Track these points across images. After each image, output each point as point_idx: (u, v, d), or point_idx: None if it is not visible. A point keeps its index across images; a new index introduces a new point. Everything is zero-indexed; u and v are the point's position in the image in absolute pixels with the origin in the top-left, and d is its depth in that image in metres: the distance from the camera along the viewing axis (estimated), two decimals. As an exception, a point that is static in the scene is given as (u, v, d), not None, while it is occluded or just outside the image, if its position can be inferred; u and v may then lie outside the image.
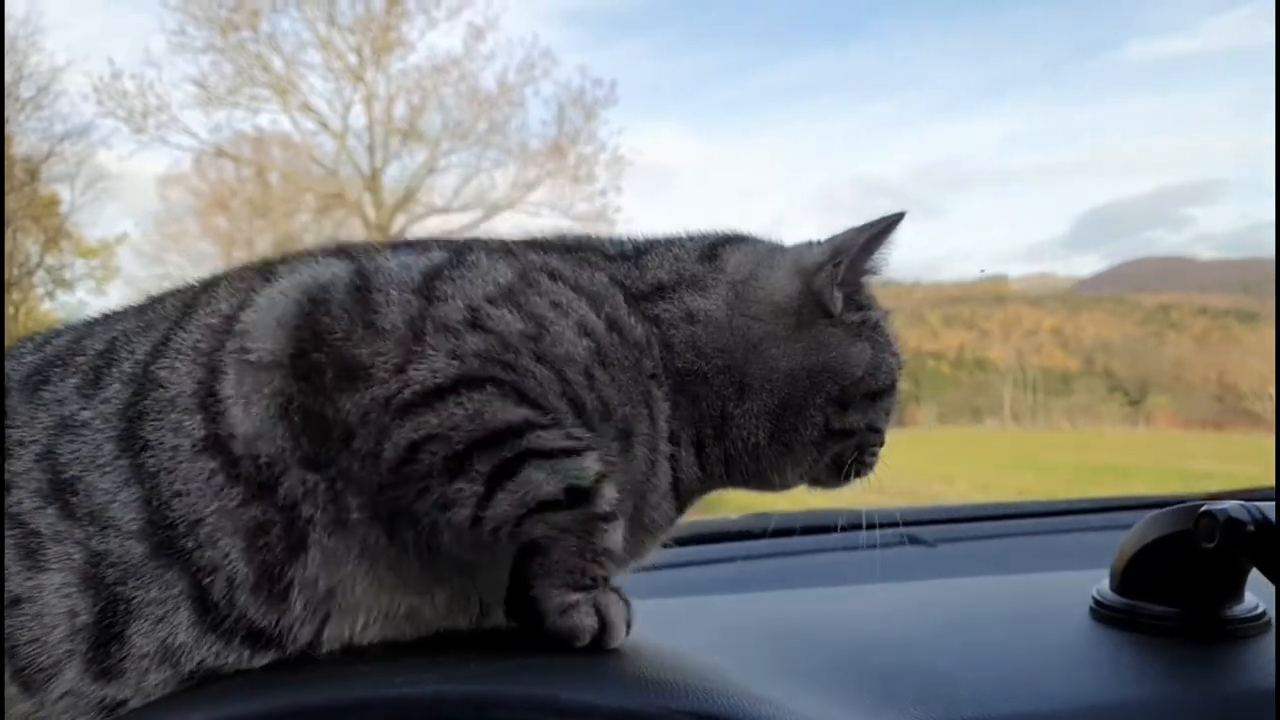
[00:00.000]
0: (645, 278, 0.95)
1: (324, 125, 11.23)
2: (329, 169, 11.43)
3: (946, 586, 1.25)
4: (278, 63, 10.91)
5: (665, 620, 0.95)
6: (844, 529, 1.47)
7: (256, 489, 0.75)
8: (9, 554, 0.73)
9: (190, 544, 0.74)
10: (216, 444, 0.75)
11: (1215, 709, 0.81)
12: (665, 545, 0.97)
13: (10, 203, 9.43)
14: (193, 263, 11.10)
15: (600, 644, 0.77)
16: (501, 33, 11.28)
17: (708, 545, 1.58)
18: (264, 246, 11.15)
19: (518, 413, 0.77)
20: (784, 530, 1.58)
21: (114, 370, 0.80)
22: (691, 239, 1.01)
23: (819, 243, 1.01)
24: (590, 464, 0.79)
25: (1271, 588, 0.87)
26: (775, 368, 0.93)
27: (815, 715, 0.72)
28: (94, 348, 0.83)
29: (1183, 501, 0.92)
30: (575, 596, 0.77)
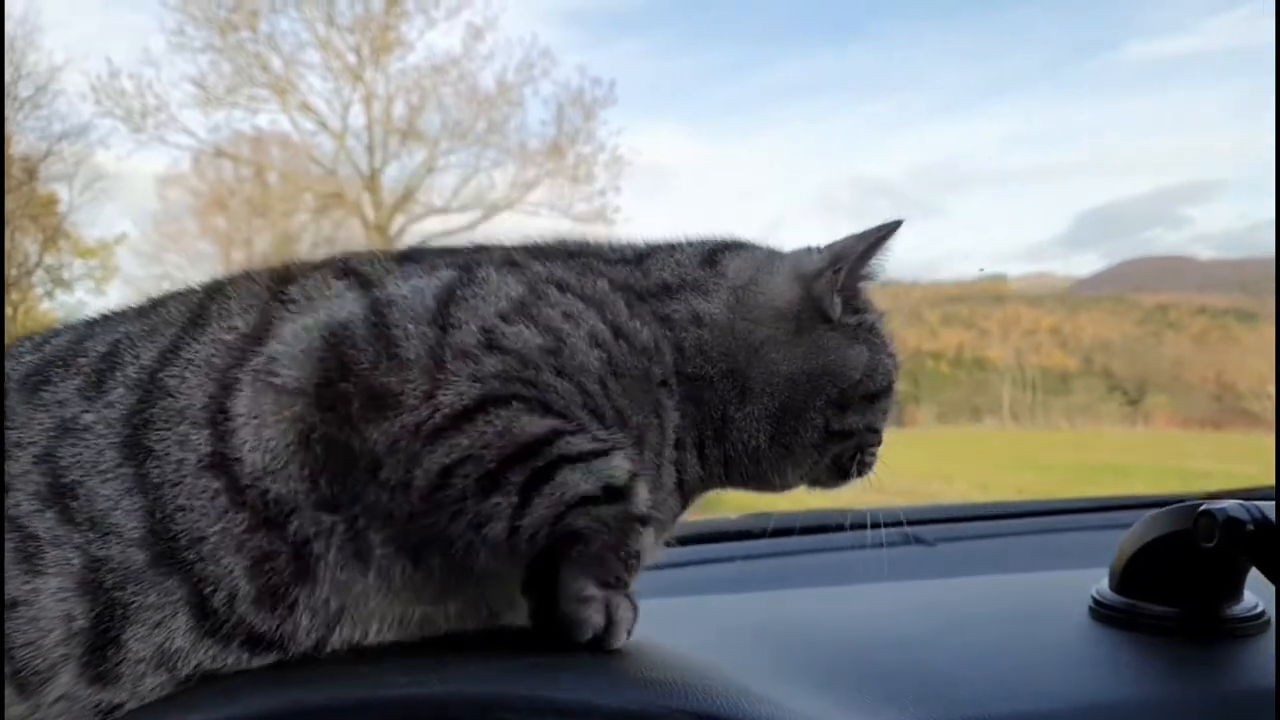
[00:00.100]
0: (650, 279, 0.95)
1: (323, 125, 11.21)
2: (328, 169, 11.40)
3: (946, 586, 1.25)
4: (277, 62, 10.88)
5: (665, 620, 0.94)
6: (844, 528, 1.47)
7: (263, 521, 0.74)
8: (5, 557, 0.73)
9: (192, 556, 0.73)
10: (223, 463, 0.74)
11: (1214, 708, 0.81)
12: (668, 544, 0.97)
13: (8, 202, 9.41)
14: (191, 262, 11.08)
15: (600, 643, 0.77)
16: (500, 32, 11.24)
17: (707, 545, 1.58)
18: (263, 246, 11.13)
19: (545, 423, 0.77)
20: (783, 530, 1.58)
21: (118, 374, 0.79)
22: (691, 244, 1.02)
23: (818, 249, 1.03)
24: (621, 462, 0.79)
25: (1271, 587, 0.87)
26: (776, 372, 0.94)
27: (814, 714, 0.72)
28: (96, 349, 0.82)
29: (1182, 501, 0.92)
30: (594, 591, 0.77)
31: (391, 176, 11.34)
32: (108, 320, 0.88)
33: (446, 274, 0.86)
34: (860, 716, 0.75)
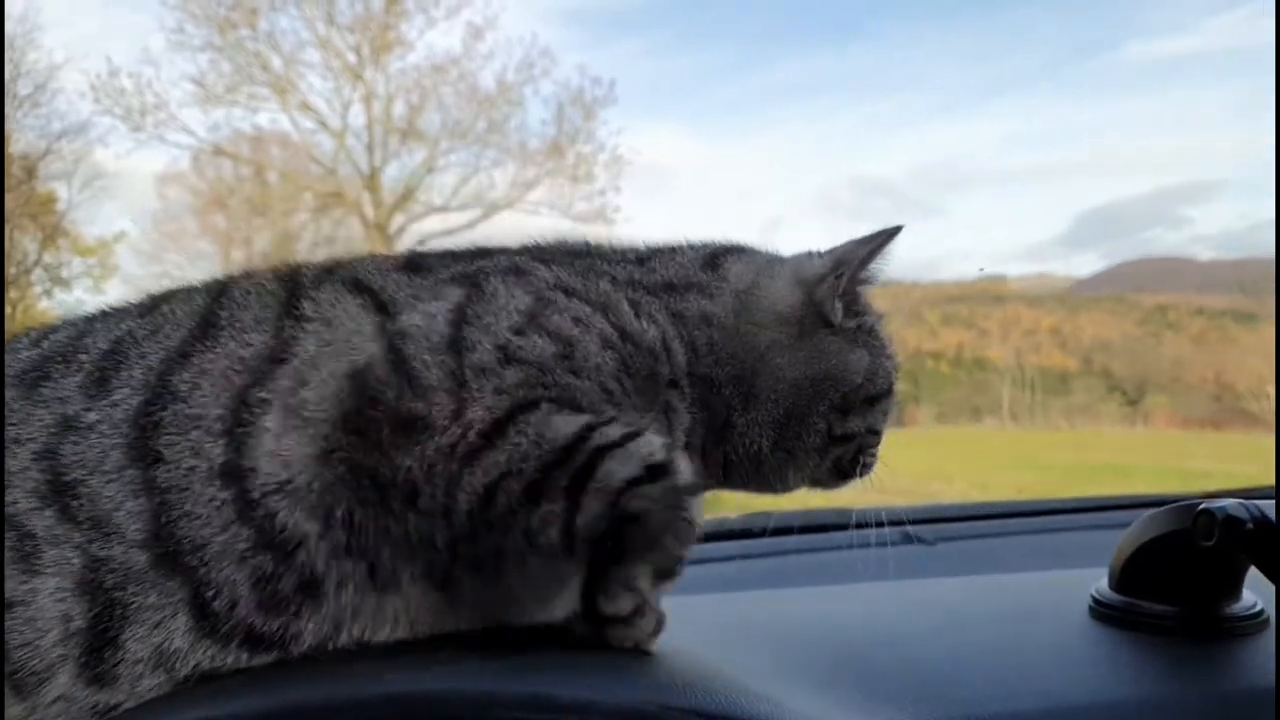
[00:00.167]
0: (655, 277, 0.95)
1: (323, 124, 11.20)
2: (328, 168, 11.40)
3: (946, 585, 1.25)
4: (276, 61, 10.88)
5: (664, 618, 0.94)
6: (843, 528, 1.47)
7: (269, 544, 0.73)
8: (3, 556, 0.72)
9: (194, 561, 0.72)
10: (236, 475, 0.73)
11: (1214, 707, 0.81)
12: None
13: (8, 201, 9.41)
14: (191, 261, 11.08)
15: (611, 633, 0.77)
16: (500, 32, 11.25)
17: (706, 544, 1.58)
18: (262, 245, 11.13)
19: (576, 420, 0.77)
20: (783, 529, 1.58)
21: (122, 373, 0.78)
22: (692, 247, 1.02)
23: (819, 254, 1.03)
24: (655, 439, 0.78)
25: (1270, 586, 0.87)
26: (781, 377, 0.94)
27: (813, 713, 0.72)
28: (98, 346, 0.81)
29: (1181, 500, 0.92)
30: (644, 584, 0.76)
31: (391, 176, 11.35)
32: (107, 317, 0.87)
33: (455, 293, 0.85)
34: (859, 715, 0.75)
